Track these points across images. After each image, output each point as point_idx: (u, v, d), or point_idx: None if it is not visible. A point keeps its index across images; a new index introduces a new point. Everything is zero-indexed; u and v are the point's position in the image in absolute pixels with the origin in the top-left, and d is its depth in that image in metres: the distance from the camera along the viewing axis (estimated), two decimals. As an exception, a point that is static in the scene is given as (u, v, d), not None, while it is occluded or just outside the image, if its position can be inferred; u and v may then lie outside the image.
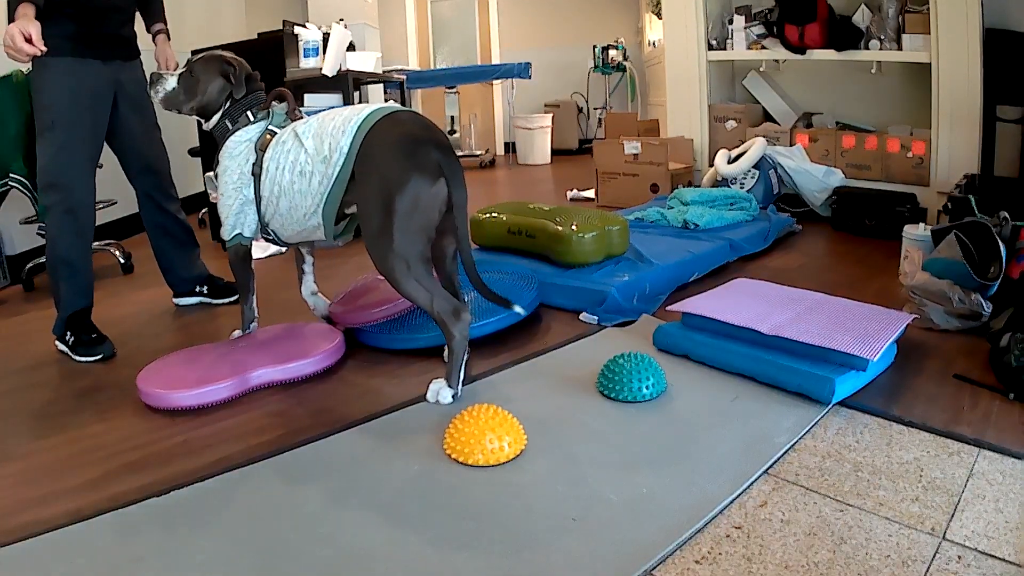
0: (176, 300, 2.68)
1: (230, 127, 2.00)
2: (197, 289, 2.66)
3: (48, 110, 2.13)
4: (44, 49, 1.93)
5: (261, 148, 1.95)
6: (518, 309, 1.90)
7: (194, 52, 2.21)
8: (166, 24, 2.47)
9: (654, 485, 1.35)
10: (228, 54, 2.06)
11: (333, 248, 2.66)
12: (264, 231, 2.03)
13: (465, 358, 1.76)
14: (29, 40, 1.89)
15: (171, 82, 2.03)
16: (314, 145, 1.83)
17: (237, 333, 2.14)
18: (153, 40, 2.44)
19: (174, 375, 1.86)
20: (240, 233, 2.00)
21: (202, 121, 2.07)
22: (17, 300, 2.97)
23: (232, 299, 2.63)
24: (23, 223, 3.15)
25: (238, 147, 1.98)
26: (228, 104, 2.01)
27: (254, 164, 1.95)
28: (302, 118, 2.00)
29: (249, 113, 2.01)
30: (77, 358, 2.17)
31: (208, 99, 2.01)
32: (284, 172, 1.88)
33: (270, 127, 1.99)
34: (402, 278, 1.69)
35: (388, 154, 1.70)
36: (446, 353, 1.97)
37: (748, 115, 4.14)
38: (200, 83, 2.01)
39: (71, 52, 2.11)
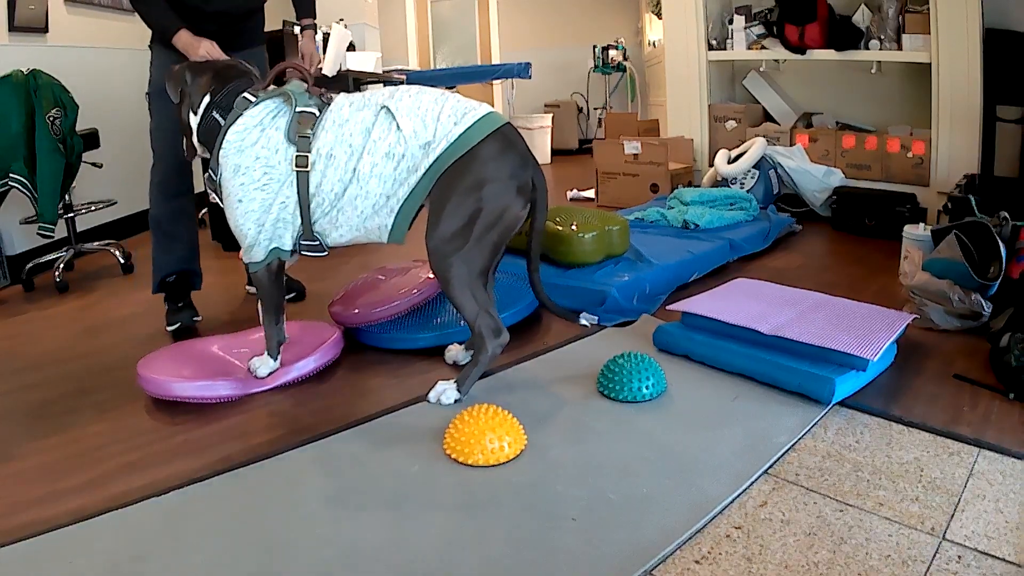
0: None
1: (222, 122, 1.73)
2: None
3: (149, 85, 2.31)
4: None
5: (301, 135, 1.66)
6: (583, 321, 1.88)
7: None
8: (314, 19, 2.50)
9: (654, 485, 1.35)
10: (196, 62, 1.94)
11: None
12: (307, 236, 1.74)
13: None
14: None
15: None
16: (413, 127, 1.62)
17: (259, 366, 1.86)
18: (301, 33, 2.48)
19: (177, 366, 1.86)
20: (277, 248, 1.74)
21: (198, 148, 1.83)
22: (17, 300, 2.97)
23: (290, 296, 2.53)
24: (23, 223, 3.15)
25: (247, 135, 1.68)
26: (209, 97, 1.76)
27: (298, 155, 1.66)
28: (324, 94, 1.75)
29: (247, 95, 1.74)
30: (167, 326, 2.33)
31: (185, 119, 1.80)
32: (363, 155, 1.64)
33: (300, 108, 1.68)
34: (458, 286, 1.66)
35: (496, 167, 1.63)
36: (449, 353, 1.97)
37: (748, 115, 4.13)
38: (180, 110, 1.82)
39: (168, 44, 2.16)
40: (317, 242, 1.76)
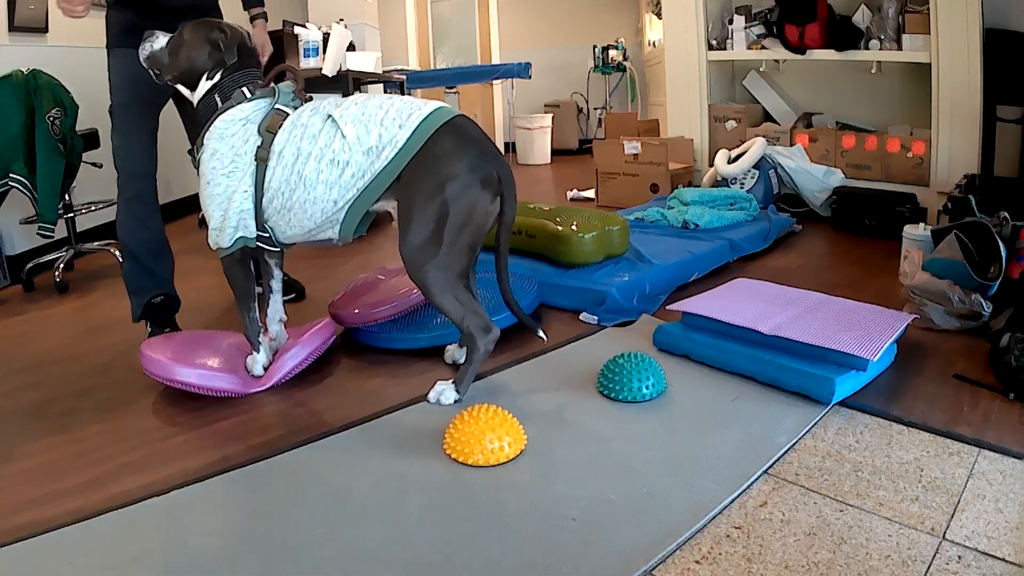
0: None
1: (220, 103, 1.78)
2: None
3: (111, 95, 2.19)
4: (84, 14, 1.97)
5: (268, 129, 1.73)
6: (541, 334, 1.87)
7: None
8: (264, 7, 2.44)
9: (654, 485, 1.35)
10: (224, 22, 1.87)
11: (331, 248, 2.61)
12: (259, 227, 1.79)
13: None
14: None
15: (160, 41, 1.82)
16: (356, 133, 1.64)
17: (252, 364, 1.89)
18: (251, 24, 2.41)
19: (183, 351, 1.85)
20: (243, 236, 1.77)
21: (186, 92, 1.86)
22: (17, 300, 2.97)
23: (290, 297, 2.51)
24: (23, 223, 3.15)
25: (231, 126, 1.75)
26: (219, 76, 1.80)
27: (259, 148, 1.72)
28: (310, 99, 1.82)
29: (245, 89, 1.79)
30: None
31: (192, 65, 1.80)
32: (309, 160, 1.67)
33: (278, 106, 1.76)
34: (438, 292, 1.66)
35: (455, 163, 1.60)
36: (448, 353, 1.97)
37: (748, 115, 4.14)
38: (185, 47, 1.80)
39: (129, 43, 2.07)
40: (268, 235, 1.81)
